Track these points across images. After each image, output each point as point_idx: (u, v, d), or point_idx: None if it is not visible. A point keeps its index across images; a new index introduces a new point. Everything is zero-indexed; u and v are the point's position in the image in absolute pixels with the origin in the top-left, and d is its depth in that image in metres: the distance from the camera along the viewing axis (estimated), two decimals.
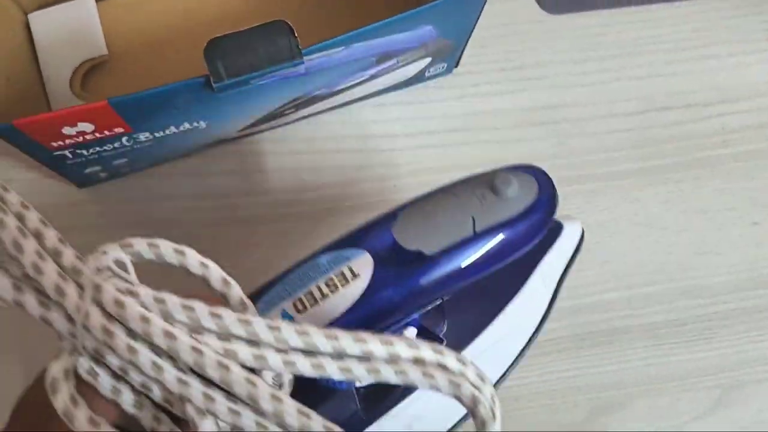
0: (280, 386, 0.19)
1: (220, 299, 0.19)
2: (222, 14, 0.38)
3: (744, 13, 0.43)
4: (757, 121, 0.42)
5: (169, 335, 0.16)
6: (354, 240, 0.23)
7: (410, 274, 0.22)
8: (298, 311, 0.22)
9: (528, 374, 0.38)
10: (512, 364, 0.30)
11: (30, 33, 0.37)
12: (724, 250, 0.40)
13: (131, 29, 0.38)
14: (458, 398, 0.18)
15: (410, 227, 0.23)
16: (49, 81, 0.37)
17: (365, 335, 0.18)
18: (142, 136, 0.32)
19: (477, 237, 0.23)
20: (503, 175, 0.23)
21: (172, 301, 0.17)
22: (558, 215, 0.26)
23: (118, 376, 0.17)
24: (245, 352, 0.17)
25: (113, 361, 0.17)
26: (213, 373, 0.16)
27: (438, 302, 0.25)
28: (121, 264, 0.18)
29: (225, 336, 0.17)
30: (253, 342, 0.17)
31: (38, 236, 0.18)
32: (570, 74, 0.41)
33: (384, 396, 0.26)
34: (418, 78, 0.38)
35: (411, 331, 0.24)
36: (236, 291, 0.19)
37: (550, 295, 0.29)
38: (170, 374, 0.17)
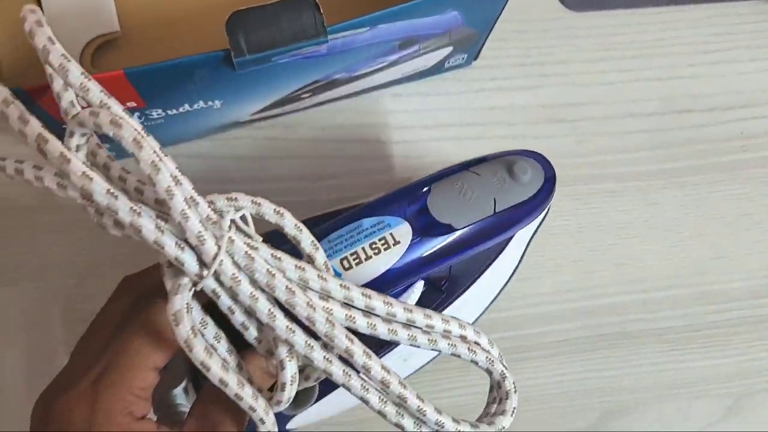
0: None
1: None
2: None
3: (765, 19, 0.42)
4: None
5: (290, 291, 0.20)
6: (394, 208, 0.27)
7: (440, 243, 0.27)
8: (345, 269, 0.26)
9: (539, 375, 0.38)
10: (487, 307, 0.36)
11: (41, 6, 0.36)
12: (740, 256, 0.40)
13: (144, 5, 0.36)
14: (488, 371, 0.23)
15: (442, 202, 0.27)
16: None
17: (431, 312, 0.22)
18: (155, 113, 0.31)
19: (496, 216, 0.27)
20: (521, 164, 0.27)
21: (287, 259, 0.21)
22: None
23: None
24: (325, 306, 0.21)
25: (226, 302, 0.21)
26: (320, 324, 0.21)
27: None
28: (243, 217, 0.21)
29: (325, 295, 0.21)
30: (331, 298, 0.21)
31: (179, 184, 0.20)
32: (589, 72, 0.40)
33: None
34: (438, 68, 0.38)
35: (419, 284, 0.28)
36: (321, 255, 0.22)
37: (521, 254, 0.33)
38: (281, 321, 0.20)
